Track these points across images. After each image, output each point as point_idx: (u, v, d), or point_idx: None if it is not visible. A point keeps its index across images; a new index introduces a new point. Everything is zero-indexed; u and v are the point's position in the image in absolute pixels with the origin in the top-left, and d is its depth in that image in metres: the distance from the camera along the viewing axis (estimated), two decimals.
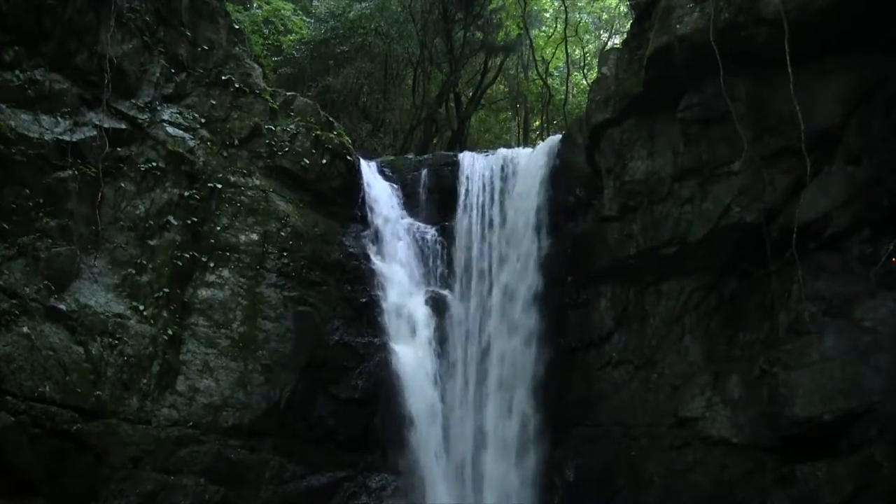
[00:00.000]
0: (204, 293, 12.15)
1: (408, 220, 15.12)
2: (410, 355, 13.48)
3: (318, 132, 14.05)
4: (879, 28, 9.42)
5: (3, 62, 10.43)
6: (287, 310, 12.79)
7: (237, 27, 14.24)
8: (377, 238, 14.46)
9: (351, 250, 13.95)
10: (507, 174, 14.77)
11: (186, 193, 12.24)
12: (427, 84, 24.19)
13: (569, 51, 24.29)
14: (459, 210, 14.84)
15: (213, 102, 13.11)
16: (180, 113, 12.64)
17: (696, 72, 10.67)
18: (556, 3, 25.70)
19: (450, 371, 13.79)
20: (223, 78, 13.26)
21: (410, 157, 17.46)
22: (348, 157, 14.44)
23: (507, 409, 13.23)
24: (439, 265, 14.71)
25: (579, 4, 26.33)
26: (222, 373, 11.86)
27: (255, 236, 12.84)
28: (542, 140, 16.61)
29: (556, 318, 13.40)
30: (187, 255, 12.01)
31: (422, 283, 14.50)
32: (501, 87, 28.18)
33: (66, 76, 11.09)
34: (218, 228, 12.58)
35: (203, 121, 12.89)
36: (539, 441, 12.88)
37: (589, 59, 27.27)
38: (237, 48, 13.79)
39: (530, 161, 14.65)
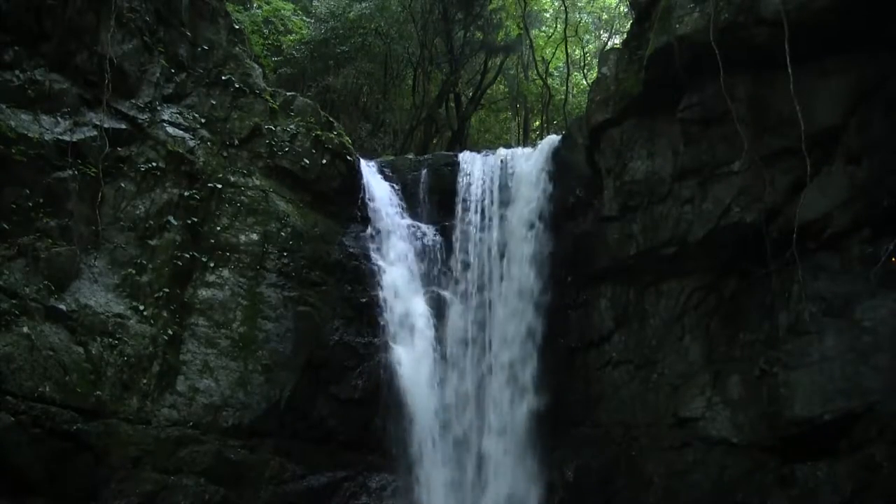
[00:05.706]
0: (204, 293, 12.15)
1: (408, 220, 15.09)
2: (410, 355, 13.48)
3: (318, 132, 14.05)
4: (879, 27, 9.41)
5: (3, 62, 10.41)
6: (287, 310, 12.79)
7: (237, 27, 14.23)
8: (377, 238, 14.44)
9: (351, 250, 13.95)
10: (507, 174, 14.74)
11: (186, 193, 12.24)
12: (427, 84, 24.17)
13: (569, 51, 24.25)
14: (459, 210, 14.83)
15: (213, 102, 13.10)
16: (180, 113, 12.64)
17: (696, 72, 10.67)
18: (556, 3, 25.67)
19: (450, 371, 13.78)
20: (223, 78, 13.26)
21: (410, 157, 17.44)
22: (348, 157, 14.44)
23: (508, 409, 13.21)
24: (439, 265, 14.69)
25: (579, 4, 26.28)
26: (222, 373, 11.87)
27: (255, 236, 12.84)
28: (542, 140, 16.57)
29: (556, 318, 13.39)
30: (187, 255, 12.02)
31: (422, 283, 14.48)
32: (501, 87, 28.13)
33: (66, 76, 11.07)
34: (218, 228, 12.58)
35: (203, 121, 12.88)
36: (539, 441, 12.87)
37: (589, 59, 27.23)
38: (237, 48, 13.79)
39: (530, 161, 14.63)
